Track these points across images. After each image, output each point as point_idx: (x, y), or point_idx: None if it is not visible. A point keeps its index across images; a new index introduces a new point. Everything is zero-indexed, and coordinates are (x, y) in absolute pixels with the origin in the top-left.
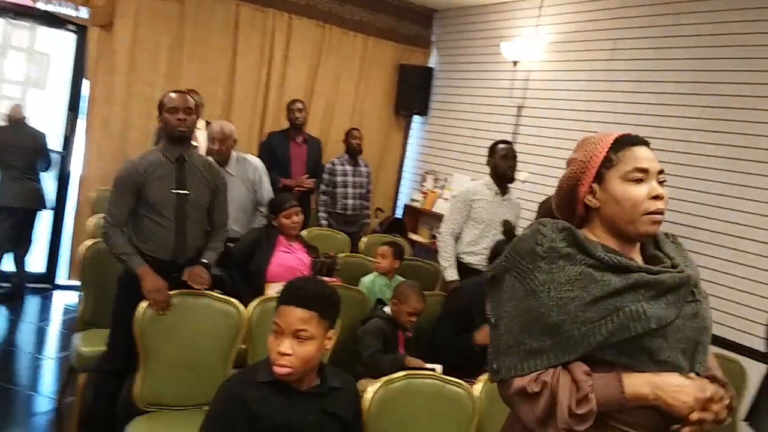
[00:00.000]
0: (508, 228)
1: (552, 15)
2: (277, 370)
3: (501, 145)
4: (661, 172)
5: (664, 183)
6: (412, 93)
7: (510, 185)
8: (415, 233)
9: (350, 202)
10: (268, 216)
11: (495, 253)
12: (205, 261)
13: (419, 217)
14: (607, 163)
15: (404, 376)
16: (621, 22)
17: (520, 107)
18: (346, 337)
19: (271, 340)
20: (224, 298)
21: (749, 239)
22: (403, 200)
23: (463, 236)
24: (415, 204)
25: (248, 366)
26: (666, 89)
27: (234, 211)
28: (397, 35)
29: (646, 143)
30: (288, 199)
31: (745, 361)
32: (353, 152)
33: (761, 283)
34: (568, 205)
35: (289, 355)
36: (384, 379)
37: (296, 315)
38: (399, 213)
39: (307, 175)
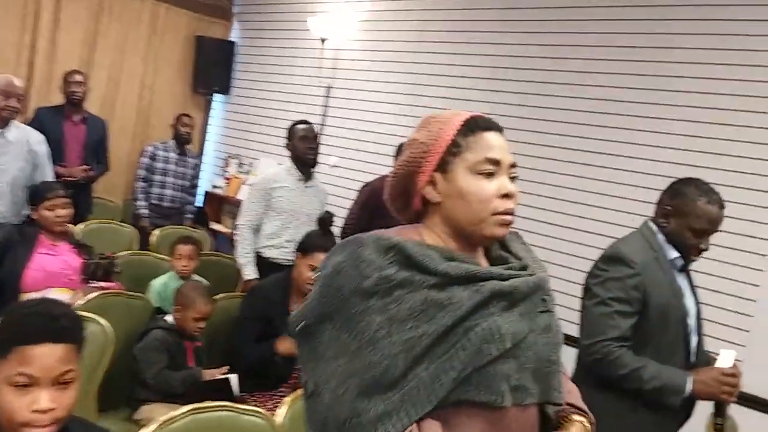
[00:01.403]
0: (323, 217)
1: None
2: None
3: (300, 126)
4: (513, 165)
5: (516, 179)
6: (212, 69)
7: (314, 170)
8: (218, 223)
9: (168, 193)
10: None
11: (299, 245)
12: None
13: (222, 205)
14: (454, 149)
15: (187, 412)
16: (429, 2)
17: (329, 87)
18: (126, 357)
19: (12, 398)
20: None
21: (598, 234)
22: (203, 187)
23: (263, 228)
24: (217, 191)
25: None
26: (477, 74)
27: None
28: (192, 3)
29: (499, 129)
30: (52, 187)
31: None
32: (181, 140)
33: None
34: (403, 195)
35: (53, 409)
36: (162, 419)
37: (56, 355)
38: (199, 201)
39: (84, 166)
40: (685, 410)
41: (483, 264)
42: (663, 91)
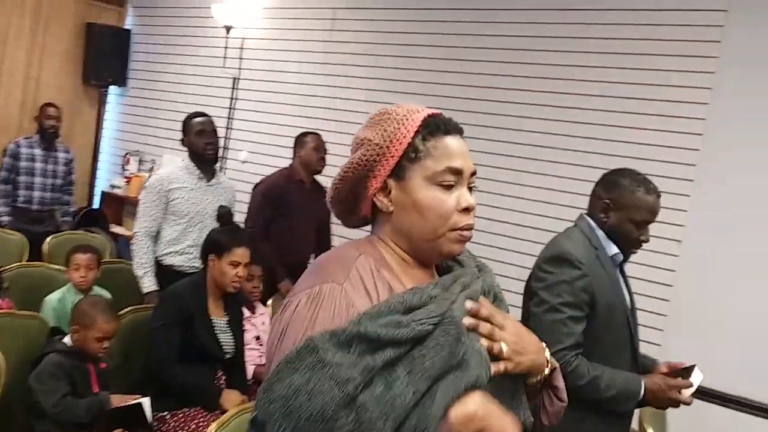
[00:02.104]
0: (223, 213)
1: None
2: None
3: (196, 120)
4: (473, 174)
5: (474, 189)
6: (105, 59)
7: (220, 167)
8: (119, 225)
9: (37, 194)
10: None
11: (208, 246)
12: None
13: (123, 206)
14: (412, 154)
15: None
16: None
17: (236, 78)
18: (21, 386)
19: None
20: None
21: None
22: (101, 187)
23: (162, 234)
24: (116, 191)
25: None
26: (395, 64)
27: None
28: None
29: (460, 131)
30: None
31: None
32: (46, 134)
33: None
34: (350, 200)
35: None
36: None
37: None
38: (96, 203)
39: None
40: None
41: (435, 278)
42: (578, 81)
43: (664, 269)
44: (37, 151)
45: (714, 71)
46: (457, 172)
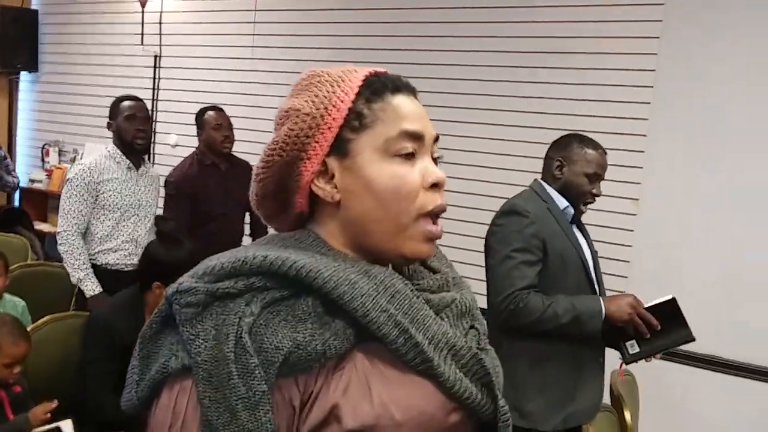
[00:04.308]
0: (165, 229)
1: None
2: None
3: (125, 103)
4: (436, 140)
5: (440, 159)
6: (12, 43)
7: (145, 155)
8: (45, 222)
9: None
10: None
11: (153, 268)
12: None
13: (46, 201)
14: (355, 121)
15: None
16: None
17: (157, 56)
18: None
19: None
20: None
21: None
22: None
23: (91, 231)
24: (37, 186)
25: None
26: (323, 30)
27: None
28: None
29: (412, 89)
30: None
31: None
32: None
33: None
34: (278, 194)
35: None
36: None
37: None
38: (16, 199)
39: None
40: (601, 354)
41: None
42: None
43: (624, 214)
44: None
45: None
46: (417, 137)
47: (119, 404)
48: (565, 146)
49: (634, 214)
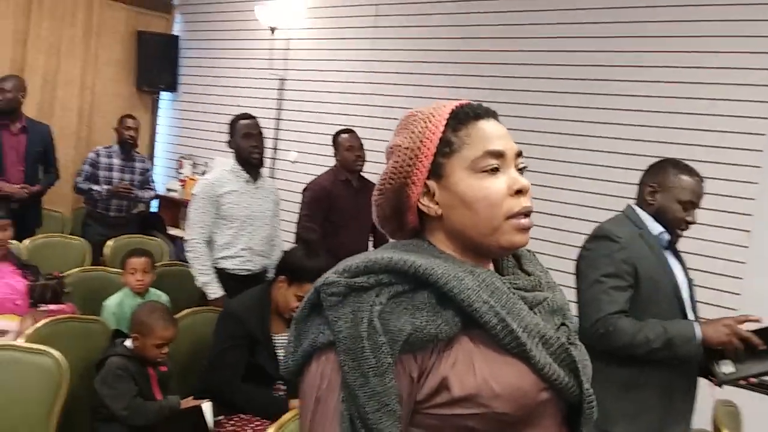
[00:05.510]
0: (311, 239)
1: None
2: None
3: (242, 122)
4: (519, 154)
5: (525, 169)
6: (156, 65)
7: (269, 168)
8: (177, 228)
9: (115, 202)
10: None
11: (285, 265)
12: None
13: (179, 208)
14: (445, 148)
15: None
16: None
17: (282, 79)
18: (84, 391)
19: None
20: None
21: None
22: (157, 191)
23: (215, 239)
24: (172, 194)
25: None
26: (441, 58)
27: None
28: None
29: (493, 114)
30: None
31: None
32: (126, 144)
33: None
34: (396, 214)
35: None
36: None
37: None
38: (154, 206)
39: (23, 185)
40: (693, 383)
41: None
42: (638, 67)
43: (734, 245)
44: (115, 161)
45: None
46: (498, 155)
47: (248, 390)
48: (660, 171)
49: (747, 246)
